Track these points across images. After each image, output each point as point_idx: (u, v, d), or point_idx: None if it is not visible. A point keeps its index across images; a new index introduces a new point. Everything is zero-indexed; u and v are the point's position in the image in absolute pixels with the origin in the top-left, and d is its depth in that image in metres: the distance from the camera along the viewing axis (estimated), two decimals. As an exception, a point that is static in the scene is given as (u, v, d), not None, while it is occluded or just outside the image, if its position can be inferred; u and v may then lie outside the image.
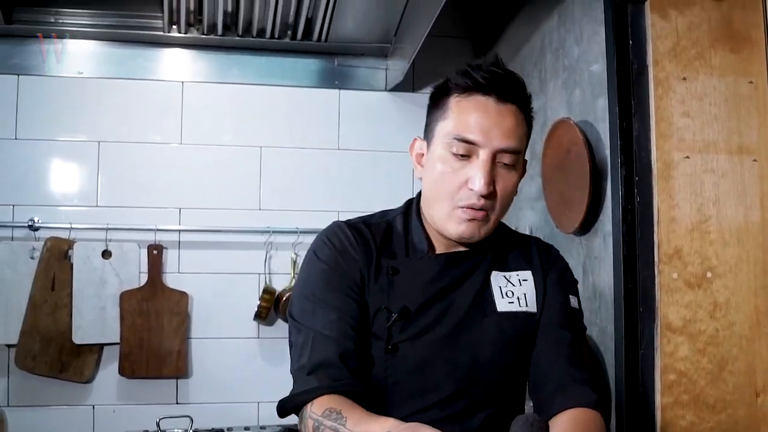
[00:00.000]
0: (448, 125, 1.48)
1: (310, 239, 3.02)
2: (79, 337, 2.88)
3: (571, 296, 1.63)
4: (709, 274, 2.06)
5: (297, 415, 1.45)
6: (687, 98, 2.09)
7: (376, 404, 1.43)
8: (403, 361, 1.48)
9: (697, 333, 2.04)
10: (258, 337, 3.10)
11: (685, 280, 2.04)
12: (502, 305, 1.56)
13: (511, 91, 1.48)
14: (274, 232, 3.05)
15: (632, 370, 2.05)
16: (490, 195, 1.47)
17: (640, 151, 2.09)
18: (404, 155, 3.14)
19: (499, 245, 1.62)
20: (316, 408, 1.38)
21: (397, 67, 3.18)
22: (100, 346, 2.95)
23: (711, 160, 2.08)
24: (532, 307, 1.59)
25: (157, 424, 2.47)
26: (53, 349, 2.87)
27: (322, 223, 3.00)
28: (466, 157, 1.46)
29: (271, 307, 3.02)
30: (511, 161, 1.48)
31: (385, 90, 3.28)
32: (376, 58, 3.26)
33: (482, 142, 1.45)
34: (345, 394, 1.40)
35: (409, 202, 1.67)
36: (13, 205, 2.94)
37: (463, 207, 1.48)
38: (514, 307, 1.57)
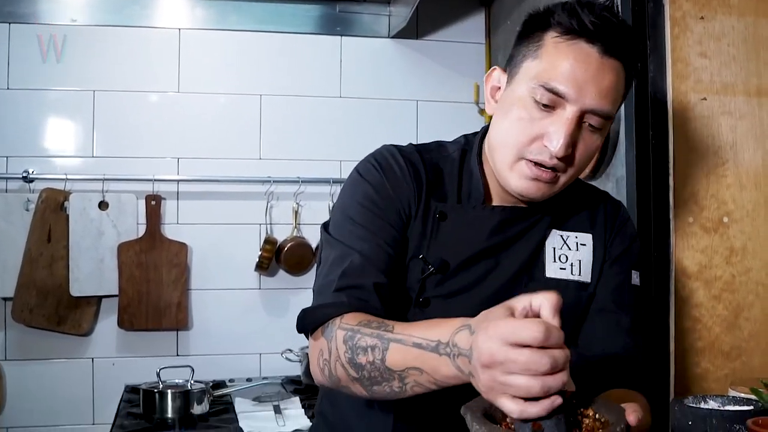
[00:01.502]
0: (537, 66, 1.29)
1: (311, 189, 3.03)
2: (76, 290, 2.83)
3: (633, 272, 1.48)
4: (725, 219, 2.00)
5: (311, 335, 1.30)
6: (704, 38, 2.02)
7: None
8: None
9: (713, 279, 2.00)
10: (259, 288, 3.05)
11: (700, 224, 1.99)
12: (551, 270, 1.42)
13: (621, 45, 1.27)
14: (274, 181, 2.98)
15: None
16: (565, 157, 1.29)
17: (655, 93, 2.01)
18: (408, 103, 3.14)
19: (563, 200, 1.43)
20: (348, 320, 1.23)
21: (401, 13, 3.09)
22: (98, 299, 2.90)
23: (728, 102, 2.02)
24: (586, 277, 1.44)
25: (158, 374, 2.42)
26: (50, 302, 2.83)
27: (324, 172, 3.04)
28: (549, 108, 1.27)
29: (272, 258, 2.96)
30: (598, 124, 1.29)
31: (388, 37, 3.19)
32: (379, 3, 3.16)
33: (572, 97, 1.25)
34: None
35: (468, 138, 1.49)
36: (7, 157, 2.87)
37: (530, 161, 1.30)
38: (565, 274, 1.43)
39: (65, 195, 2.85)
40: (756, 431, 1.01)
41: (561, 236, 1.45)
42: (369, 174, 1.40)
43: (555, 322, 0.95)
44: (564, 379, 0.95)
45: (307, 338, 1.32)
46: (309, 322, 1.28)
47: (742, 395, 1.24)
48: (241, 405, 2.56)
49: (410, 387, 1.13)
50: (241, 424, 2.34)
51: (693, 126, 1.99)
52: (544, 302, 0.97)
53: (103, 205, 2.88)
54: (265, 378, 2.94)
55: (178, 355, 2.94)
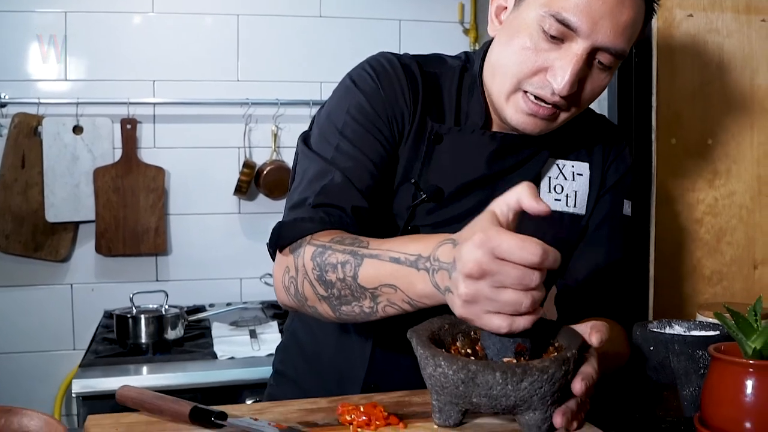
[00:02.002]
0: None
1: (291, 111, 2.95)
2: (52, 216, 2.78)
3: (626, 201, 1.41)
4: (709, 141, 1.93)
5: (280, 252, 1.20)
6: (692, -50, 1.92)
7: None
8: None
9: (695, 202, 1.94)
10: (239, 213, 3.00)
11: (683, 146, 1.92)
12: (546, 201, 1.36)
13: None
14: (253, 104, 2.91)
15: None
16: (568, 96, 1.18)
17: (639, 9, 1.93)
18: (390, 23, 3.03)
19: (563, 127, 1.32)
20: (320, 237, 1.13)
21: (384, -75, 2.97)
22: (75, 225, 2.85)
23: (716, 18, 1.93)
24: (581, 209, 1.37)
25: (131, 300, 2.39)
26: (26, 229, 2.78)
27: (304, 94, 2.95)
28: (557, 40, 1.15)
29: (251, 182, 2.91)
30: (609, 62, 1.18)
31: (370, -48, 3.07)
32: None
33: (584, 32, 1.13)
34: None
35: (469, 55, 1.37)
36: (-23, 81, 2.79)
37: (530, 94, 1.19)
38: (560, 206, 1.35)
39: (38, 119, 2.78)
40: (717, 358, 0.97)
41: (557, 165, 1.37)
42: (363, 82, 1.29)
43: (541, 205, 0.91)
44: (545, 292, 0.91)
45: (273, 255, 1.23)
46: (285, 237, 1.17)
47: (710, 320, 1.20)
48: (218, 330, 2.54)
49: (382, 307, 1.06)
50: (215, 349, 2.32)
51: (678, 44, 1.91)
52: (521, 195, 0.92)
53: (77, 129, 2.81)
54: (245, 302, 2.92)
55: (157, 280, 2.91)
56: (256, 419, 0.98)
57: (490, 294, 0.87)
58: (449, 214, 1.29)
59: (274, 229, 1.20)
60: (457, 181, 1.28)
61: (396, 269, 1.01)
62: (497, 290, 0.87)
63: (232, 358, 2.25)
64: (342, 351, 1.40)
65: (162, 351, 2.32)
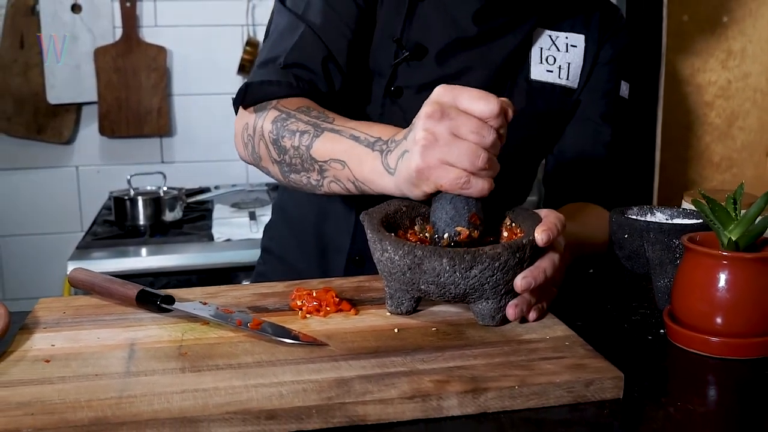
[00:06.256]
0: None
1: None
2: (53, 97, 2.73)
3: (623, 83, 1.37)
4: (725, 18, 1.81)
5: (243, 109, 1.18)
6: None
7: None
8: (406, 111, 1.20)
9: (706, 84, 1.85)
10: (243, 94, 2.92)
11: (696, 23, 1.81)
12: (537, 72, 1.30)
13: None
14: (256, -21, 2.79)
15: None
16: None
17: None
18: None
19: None
20: (287, 104, 1.12)
21: None
22: (78, 106, 2.80)
23: None
24: (573, 82, 1.33)
25: (128, 182, 2.36)
26: (27, 110, 2.74)
27: None
28: None
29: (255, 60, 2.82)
30: None
31: None
32: None
33: None
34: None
35: None
36: (-30, -43, 2.70)
37: None
38: (551, 78, 1.31)
39: (35, -3, 2.70)
40: (690, 249, 0.90)
41: (550, 36, 1.31)
42: None
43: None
44: (498, 167, 0.88)
45: (237, 111, 1.22)
46: (251, 97, 1.16)
47: (695, 208, 1.13)
48: (219, 211, 2.53)
49: (327, 182, 1.06)
50: (213, 231, 2.30)
51: None
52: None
53: (76, 8, 2.73)
54: (251, 184, 2.88)
55: (163, 162, 2.88)
56: (205, 303, 0.95)
57: (448, 139, 0.86)
58: (434, 75, 1.25)
59: (241, 88, 1.18)
60: (442, 39, 1.24)
61: (351, 146, 1.00)
62: (454, 138, 0.86)
63: (229, 240, 2.24)
64: (327, 219, 1.40)
65: (160, 233, 2.31)
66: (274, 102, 1.13)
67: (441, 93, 0.87)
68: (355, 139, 1.00)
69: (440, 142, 0.86)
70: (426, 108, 0.87)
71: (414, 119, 0.91)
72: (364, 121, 1.04)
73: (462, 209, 0.89)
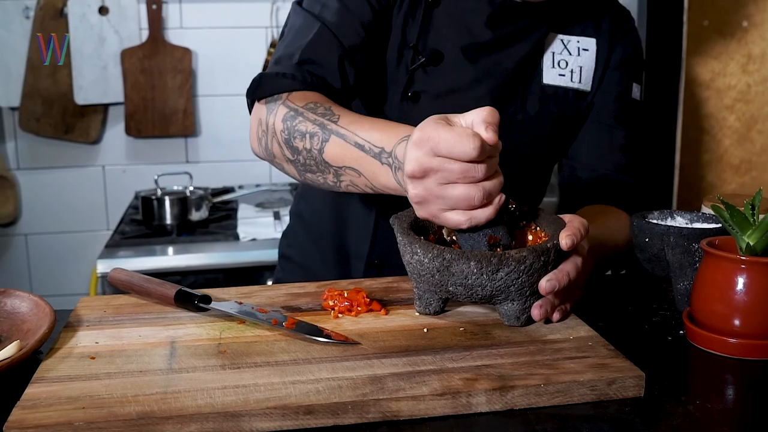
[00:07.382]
0: None
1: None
2: (81, 98, 2.78)
3: (635, 85, 1.39)
4: (744, 23, 1.84)
5: (257, 102, 1.19)
6: None
7: None
8: (424, 115, 1.17)
9: (726, 88, 1.87)
10: (267, 95, 2.96)
11: (716, 28, 1.83)
12: (549, 76, 1.33)
13: None
14: (280, -18, 2.83)
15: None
16: None
17: None
18: None
19: (566, 3, 1.32)
20: (295, 98, 1.13)
21: None
22: (105, 107, 2.86)
23: None
24: (586, 85, 1.35)
25: (156, 181, 2.41)
26: (56, 111, 2.80)
27: None
28: None
29: (278, 64, 2.86)
30: None
31: None
32: None
33: None
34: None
35: None
36: (2, -37, 2.75)
37: None
38: (564, 81, 1.34)
39: (63, 1, 2.74)
40: (709, 253, 0.93)
41: (562, 40, 1.35)
42: None
43: (488, 134, 0.85)
44: (502, 181, 0.88)
45: (251, 106, 1.22)
46: (263, 89, 1.17)
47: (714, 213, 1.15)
48: (244, 211, 2.57)
49: (345, 185, 1.08)
50: (238, 230, 2.34)
51: None
52: (475, 117, 0.87)
53: (103, 10, 2.78)
54: (274, 184, 2.92)
55: (187, 161, 2.92)
56: (240, 303, 0.99)
57: (439, 192, 0.86)
58: (450, 82, 1.28)
59: (254, 79, 1.19)
60: (457, 45, 1.27)
61: (360, 156, 1.01)
62: (445, 187, 0.86)
63: (254, 239, 2.28)
64: (346, 225, 1.42)
65: (186, 232, 2.35)
66: (284, 97, 1.14)
67: (417, 144, 0.86)
68: (361, 148, 1.01)
69: (432, 196, 0.87)
70: (407, 167, 0.87)
71: (412, 135, 0.89)
72: (365, 120, 1.06)
73: (477, 236, 0.91)
